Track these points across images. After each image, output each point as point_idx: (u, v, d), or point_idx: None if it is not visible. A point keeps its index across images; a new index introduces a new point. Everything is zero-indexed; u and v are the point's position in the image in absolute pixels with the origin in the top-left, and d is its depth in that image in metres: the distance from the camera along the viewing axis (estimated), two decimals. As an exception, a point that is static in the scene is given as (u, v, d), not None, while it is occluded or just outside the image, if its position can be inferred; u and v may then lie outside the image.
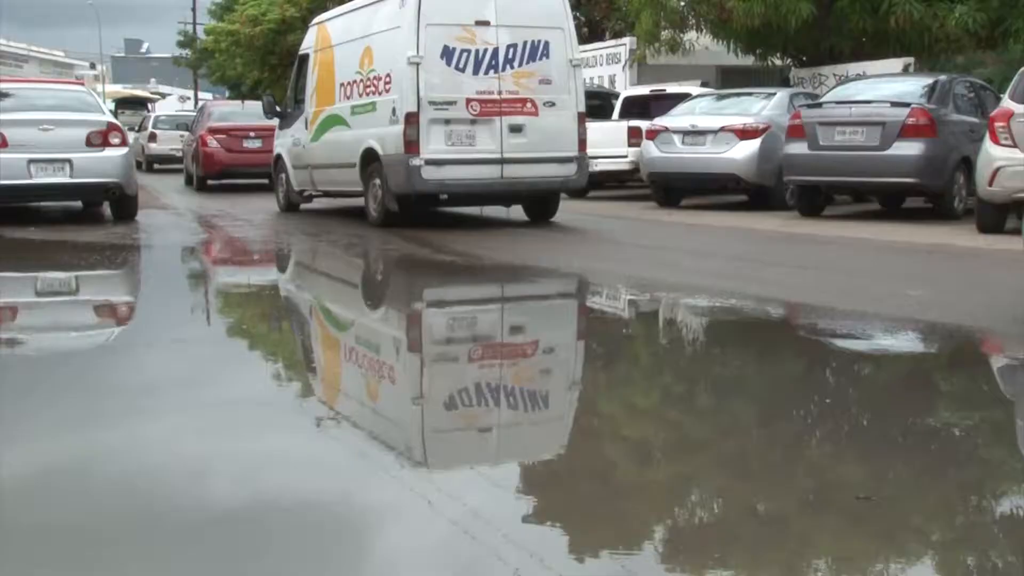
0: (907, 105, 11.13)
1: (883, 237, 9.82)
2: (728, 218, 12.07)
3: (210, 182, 18.54)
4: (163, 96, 65.03)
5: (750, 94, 14.49)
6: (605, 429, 4.00)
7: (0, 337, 5.69)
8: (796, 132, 11.88)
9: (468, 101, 10.49)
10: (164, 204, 15.42)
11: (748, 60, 19.08)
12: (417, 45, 10.37)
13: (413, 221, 10.82)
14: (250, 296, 7.64)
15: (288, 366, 5.17)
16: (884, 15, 16.01)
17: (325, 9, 35.34)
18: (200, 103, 31.13)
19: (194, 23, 54.58)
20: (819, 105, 12.09)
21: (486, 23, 10.59)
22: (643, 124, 14.55)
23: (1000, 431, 3.88)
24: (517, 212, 11.88)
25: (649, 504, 3.06)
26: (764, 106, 13.54)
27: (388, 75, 10.88)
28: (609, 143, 15.14)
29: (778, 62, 19.19)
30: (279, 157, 13.96)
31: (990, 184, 9.70)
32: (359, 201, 11.76)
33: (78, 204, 12.89)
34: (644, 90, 17.54)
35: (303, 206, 13.74)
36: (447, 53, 10.45)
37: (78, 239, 10.18)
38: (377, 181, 11.00)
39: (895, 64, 15.60)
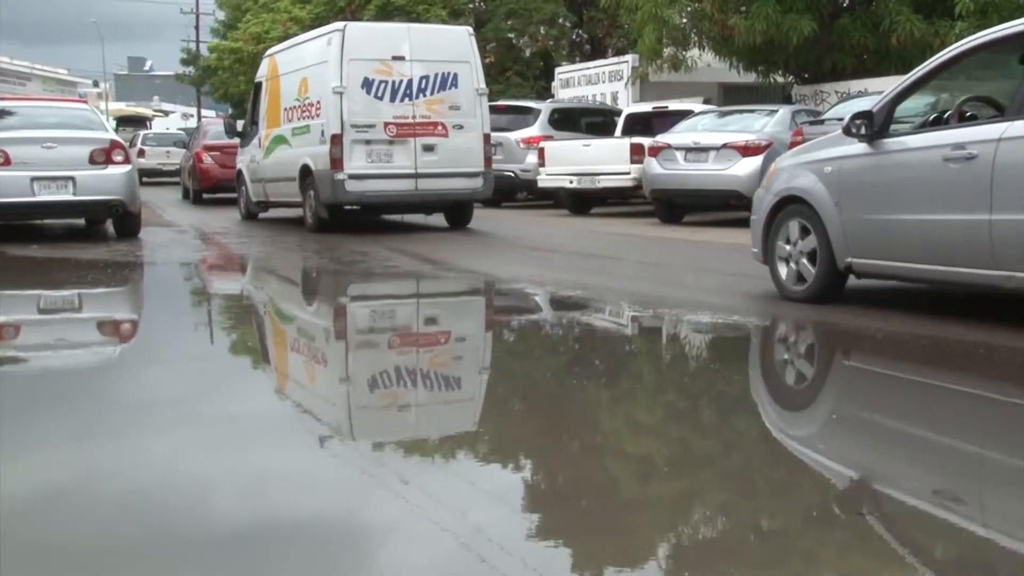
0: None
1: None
2: (729, 235, 12.06)
3: (205, 195, 19.90)
4: (166, 113, 65.28)
5: (752, 111, 14.53)
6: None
7: (2, 354, 5.68)
8: (798, 149, 11.86)
9: (386, 124, 12.34)
10: (168, 221, 15.43)
11: (750, 77, 19.14)
12: (341, 77, 12.21)
13: (345, 228, 12.53)
14: (244, 308, 7.65)
15: (282, 375, 5.16)
16: (885, 32, 16.08)
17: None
18: (198, 122, 33.24)
19: (197, 41, 54.82)
20: (821, 122, 12.11)
21: (402, 58, 12.45)
22: (646, 141, 14.59)
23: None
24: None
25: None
26: (766, 123, 13.57)
27: (319, 102, 12.64)
28: (612, 160, 15.19)
29: (780, 79, 19.26)
30: (240, 172, 15.89)
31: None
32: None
33: (81, 222, 12.91)
34: (646, 107, 17.60)
35: (261, 215, 15.50)
36: (367, 84, 12.29)
37: (81, 257, 10.19)
38: (311, 193, 12.79)
39: (896, 81, 15.64)
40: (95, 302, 7.93)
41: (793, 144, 12.12)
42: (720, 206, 14.13)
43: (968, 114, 6.09)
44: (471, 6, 35.06)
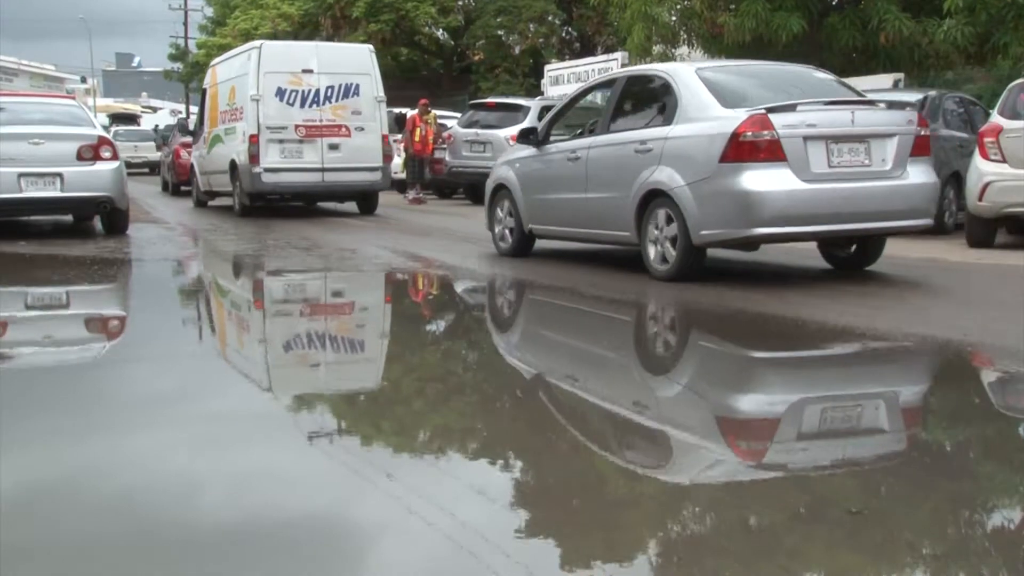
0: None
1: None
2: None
3: (182, 188, 21.43)
4: (154, 110, 64.99)
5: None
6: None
7: (-11, 351, 5.66)
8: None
9: (296, 126, 14.74)
10: (155, 218, 15.39)
11: (739, 75, 19.14)
12: (258, 87, 14.62)
13: (268, 213, 15.19)
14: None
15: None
16: (874, 31, 16.13)
17: (316, 24, 35.57)
18: (176, 120, 36.17)
19: (186, 37, 54.66)
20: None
21: (310, 71, 14.88)
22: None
23: (991, 444, 3.89)
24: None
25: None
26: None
27: (241, 108, 15.03)
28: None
29: (769, 77, 19.27)
30: (192, 166, 18.41)
31: (980, 199, 9.75)
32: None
33: (69, 218, 12.86)
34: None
35: (210, 203, 17.73)
36: (280, 92, 14.70)
37: (68, 253, 10.15)
38: (238, 183, 15.23)
39: (885, 80, 15.70)
40: (83, 299, 7.90)
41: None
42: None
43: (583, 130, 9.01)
44: (460, 3, 35.06)
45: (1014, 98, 9.93)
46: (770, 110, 7.06)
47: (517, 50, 33.29)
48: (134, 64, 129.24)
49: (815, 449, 3.78)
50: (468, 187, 19.45)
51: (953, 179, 11.28)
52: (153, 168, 32.21)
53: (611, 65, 21.77)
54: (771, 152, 7.00)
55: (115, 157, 11.54)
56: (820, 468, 3.52)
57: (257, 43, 15.58)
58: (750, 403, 4.53)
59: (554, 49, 33.12)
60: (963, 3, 14.57)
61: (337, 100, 14.92)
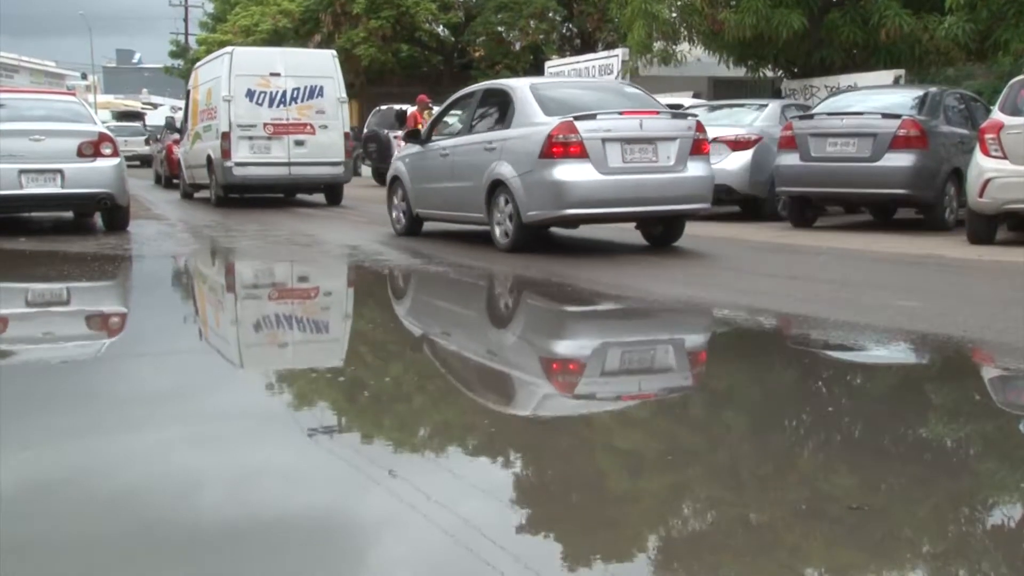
0: (898, 117, 11.17)
1: (874, 248, 9.84)
2: (720, 229, 12.08)
3: (174, 181, 22.32)
4: (155, 106, 64.94)
5: (742, 105, 14.53)
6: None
7: (-10, 348, 5.66)
8: (788, 143, 11.93)
9: (265, 124, 16.08)
10: (156, 215, 15.39)
11: (740, 72, 19.14)
12: (229, 88, 15.98)
13: (240, 204, 16.62)
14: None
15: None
16: (874, 27, 16.10)
17: (316, 22, 35.54)
18: (165, 119, 36.57)
19: (186, 33, 54.65)
20: (811, 116, 12.13)
21: (277, 74, 16.25)
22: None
23: (991, 441, 3.89)
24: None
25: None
26: (756, 117, 13.58)
27: (216, 107, 16.38)
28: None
29: (770, 73, 19.26)
30: (179, 161, 20.06)
31: (980, 195, 9.74)
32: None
33: (69, 214, 12.86)
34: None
35: (195, 195, 18.95)
36: (250, 93, 16.03)
37: (69, 250, 10.15)
38: (213, 176, 16.62)
39: (886, 76, 15.68)
40: (83, 295, 7.91)
41: (782, 138, 12.18)
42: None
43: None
44: (461, -1, 35.02)
45: (1015, 94, 9.91)
46: (576, 118, 8.92)
47: (518, 46, 33.25)
48: (135, 61, 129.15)
49: (615, 383, 4.90)
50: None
51: (954, 175, 11.28)
52: (143, 161, 33.58)
53: (612, 62, 21.74)
54: (577, 151, 8.90)
55: (115, 154, 11.53)
56: (619, 397, 4.70)
57: (229, 49, 17.18)
58: (565, 348, 5.91)
59: (555, 46, 33.07)
60: (964, 0, 14.55)
61: (302, 101, 16.30)
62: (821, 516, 3.00)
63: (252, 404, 4.43)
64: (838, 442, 3.82)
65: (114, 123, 39.59)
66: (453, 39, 36.23)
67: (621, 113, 9.23)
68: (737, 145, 12.96)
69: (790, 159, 11.85)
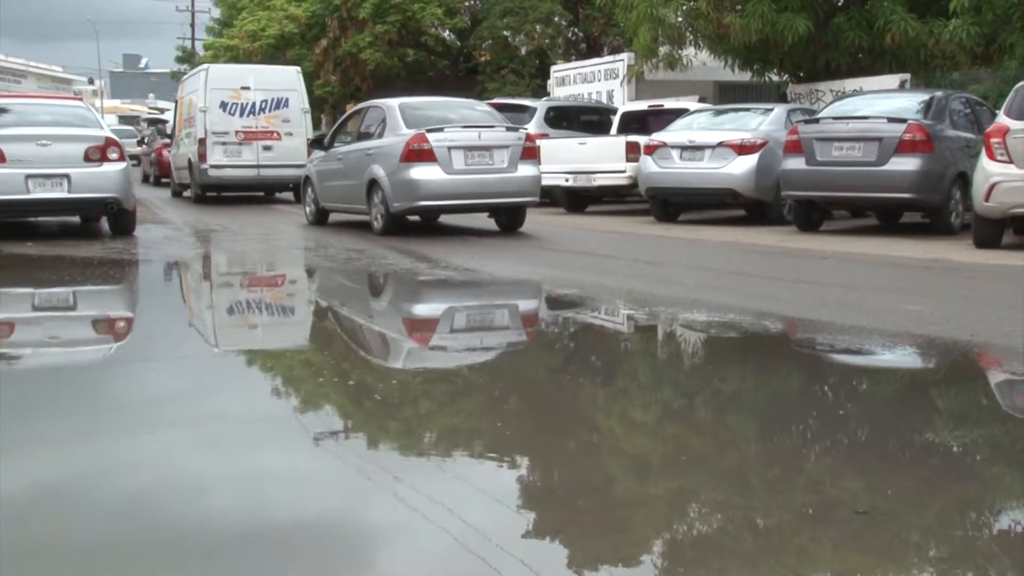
0: (904, 121, 11.16)
1: (880, 252, 9.83)
2: (726, 233, 12.08)
3: (162, 180, 25.10)
4: (161, 111, 64.99)
5: (748, 109, 14.52)
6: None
7: (-2, 352, 5.68)
8: (794, 147, 11.91)
9: (237, 132, 18.19)
10: (162, 219, 15.42)
11: (745, 76, 19.12)
12: (205, 100, 18.21)
13: (215, 201, 18.72)
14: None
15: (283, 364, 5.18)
16: (880, 31, 16.07)
17: (322, 26, 35.56)
18: (156, 126, 37.17)
19: (192, 38, 54.80)
20: (816, 121, 12.11)
21: (248, 88, 18.40)
22: (641, 139, 14.58)
23: (998, 446, 3.88)
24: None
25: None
26: (762, 121, 13.57)
27: (194, 117, 18.53)
28: (607, 158, 15.20)
29: (775, 78, 19.25)
30: (169, 163, 22.50)
31: (986, 199, 9.72)
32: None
33: (76, 219, 12.89)
34: (642, 105, 17.59)
35: (184, 192, 20.87)
36: (223, 104, 18.17)
37: (75, 254, 10.17)
38: (192, 177, 18.83)
39: (891, 80, 15.65)
40: (89, 300, 7.93)
41: (788, 142, 12.16)
42: (716, 204, 14.14)
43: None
44: (467, 4, 35.08)
45: (1020, 98, 9.89)
46: (428, 130, 11.44)
47: (523, 51, 33.23)
48: (141, 65, 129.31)
49: (462, 337, 6.33)
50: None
51: (960, 179, 11.26)
52: (134, 160, 34.66)
53: (617, 66, 21.75)
54: (428, 156, 11.36)
55: (122, 158, 11.55)
56: (468, 348, 6.01)
57: (205, 66, 20.12)
58: (421, 310, 7.58)
59: (560, 50, 33.08)
60: (969, 3, 14.52)
61: (270, 111, 18.45)
62: (828, 520, 2.99)
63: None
64: (845, 446, 3.82)
65: (117, 126, 39.91)
66: (459, 44, 36.27)
67: (465, 126, 11.76)
68: (743, 149, 12.95)
69: (796, 163, 11.84)
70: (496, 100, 20.85)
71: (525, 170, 11.84)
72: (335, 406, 4.53)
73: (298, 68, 20.06)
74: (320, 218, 13.89)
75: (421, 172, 11.33)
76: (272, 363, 5.65)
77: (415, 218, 12.49)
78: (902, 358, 5.35)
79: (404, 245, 10.68)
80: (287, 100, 18.57)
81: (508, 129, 12.24)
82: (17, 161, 10.86)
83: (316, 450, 3.69)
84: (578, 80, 23.53)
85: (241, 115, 18.25)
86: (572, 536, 2.90)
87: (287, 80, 18.97)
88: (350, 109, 20.62)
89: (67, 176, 11.03)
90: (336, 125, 14.20)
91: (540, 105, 18.60)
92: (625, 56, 21.49)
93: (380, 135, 12.12)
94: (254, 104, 18.35)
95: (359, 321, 7.13)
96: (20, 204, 11.06)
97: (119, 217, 11.76)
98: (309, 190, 14.12)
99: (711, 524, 3.05)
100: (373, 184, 11.87)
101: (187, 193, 20.16)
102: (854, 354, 5.39)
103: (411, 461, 3.62)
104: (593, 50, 31.50)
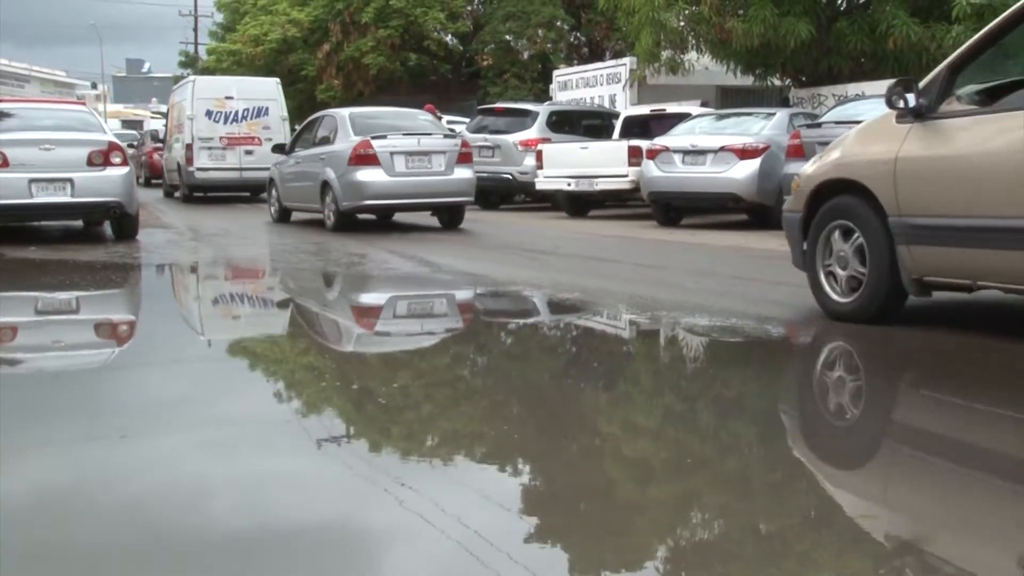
0: None
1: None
2: (728, 238, 12.08)
3: (153, 181, 27.14)
4: (164, 115, 65.10)
5: (750, 114, 14.54)
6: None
7: (0, 356, 5.69)
8: (796, 152, 11.91)
9: (221, 138, 20.16)
10: (165, 223, 15.45)
11: (748, 80, 19.16)
12: (192, 109, 20.17)
13: (202, 201, 20.80)
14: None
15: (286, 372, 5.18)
16: (882, 36, 16.09)
17: (325, 31, 35.61)
18: (149, 131, 37.73)
19: (195, 43, 54.84)
20: (819, 125, 12.12)
21: (231, 97, 20.37)
22: (643, 143, 14.60)
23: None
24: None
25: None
26: (764, 126, 13.58)
27: (183, 124, 20.50)
28: (609, 162, 15.21)
29: (777, 82, 19.27)
30: (158, 165, 25.10)
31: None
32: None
33: (79, 223, 12.91)
34: (644, 110, 17.61)
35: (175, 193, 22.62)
36: (209, 113, 20.17)
37: (79, 258, 10.19)
38: (181, 179, 20.88)
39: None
40: (92, 304, 7.94)
41: (790, 147, 12.17)
42: (718, 209, 14.15)
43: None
44: (469, 8, 35.12)
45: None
46: (373, 138, 12.84)
47: (526, 55, 33.27)
48: (144, 70, 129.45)
49: (403, 323, 7.17)
50: (477, 192, 19.46)
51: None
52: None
53: (620, 70, 21.79)
54: (372, 160, 12.76)
55: (125, 163, 11.58)
56: (408, 333, 6.79)
57: (192, 78, 23.03)
58: (367, 299, 8.39)
59: (563, 54, 33.11)
60: (971, 9, 14.53)
61: (251, 119, 20.36)
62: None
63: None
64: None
65: (120, 130, 40.05)
66: (461, 48, 36.31)
67: (406, 134, 13.17)
68: (745, 154, 12.96)
69: (798, 168, 11.78)
70: (499, 104, 20.89)
71: (461, 173, 13.34)
72: (337, 407, 4.52)
73: (277, 80, 22.08)
74: (283, 216, 15.41)
75: (366, 175, 12.75)
76: (275, 368, 5.65)
77: (371, 216, 14.01)
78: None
79: (355, 239, 12.09)
80: (267, 109, 20.52)
81: (446, 136, 13.75)
82: (20, 165, 10.88)
83: (324, 456, 3.69)
84: (580, 84, 23.57)
85: (225, 122, 20.18)
86: (522, 511, 2.90)
87: (267, 91, 20.93)
88: None
89: (70, 180, 11.05)
90: (297, 132, 15.77)
91: (542, 109, 18.62)
92: (627, 60, 21.53)
93: (332, 141, 13.53)
94: (237, 112, 20.27)
95: (317, 309, 7.51)
96: (23, 208, 11.08)
97: (122, 221, 11.77)
98: (273, 191, 15.68)
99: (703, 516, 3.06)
100: (325, 185, 13.29)
101: (177, 193, 21.80)
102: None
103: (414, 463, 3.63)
104: (595, 54, 31.53)
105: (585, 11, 31.31)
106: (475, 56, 35.68)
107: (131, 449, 3.75)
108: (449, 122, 20.64)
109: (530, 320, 7.27)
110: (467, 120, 21.11)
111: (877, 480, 3.51)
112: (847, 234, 5.86)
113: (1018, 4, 5.11)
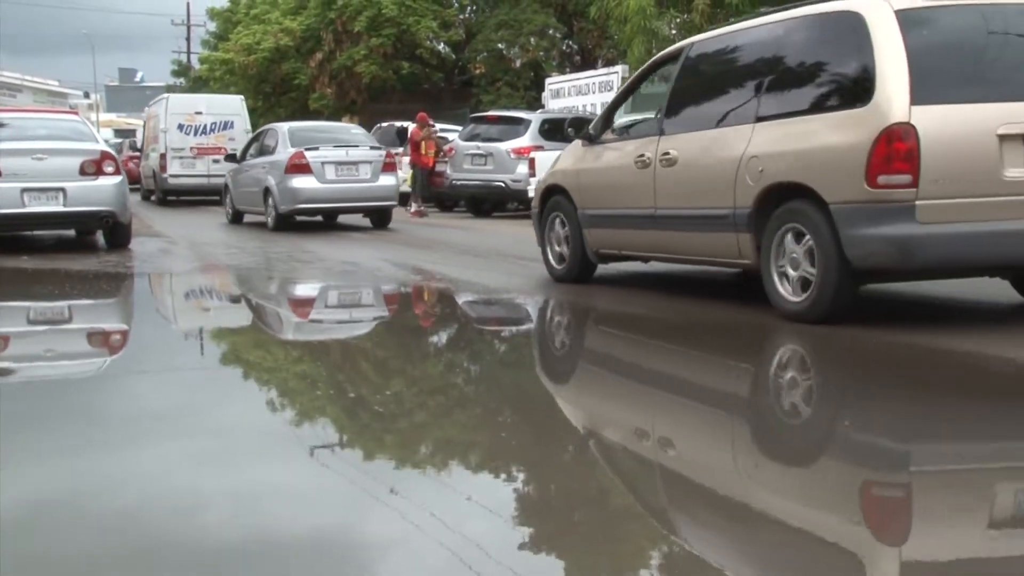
0: None
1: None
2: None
3: (131, 187, 27.06)
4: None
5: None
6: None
7: (-8, 366, 5.68)
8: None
9: (191, 148, 22.75)
10: (156, 232, 15.43)
11: (739, 88, 19.16)
12: (166, 122, 22.79)
13: (176, 204, 23.55)
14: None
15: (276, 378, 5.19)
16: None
17: (317, 40, 35.64)
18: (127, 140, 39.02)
19: (188, 52, 54.92)
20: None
21: (200, 112, 23.09)
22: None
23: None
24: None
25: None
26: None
27: (157, 136, 23.12)
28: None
29: (769, 90, 19.28)
30: (135, 172, 25.75)
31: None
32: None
33: (71, 233, 12.89)
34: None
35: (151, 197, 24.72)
36: (181, 127, 22.83)
37: (71, 268, 10.17)
38: (156, 184, 23.57)
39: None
40: (85, 313, 7.93)
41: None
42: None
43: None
44: (461, 17, 35.21)
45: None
46: (306, 149, 14.83)
47: (518, 63, 33.36)
48: (137, 79, 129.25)
49: (335, 312, 8.27)
50: (469, 200, 19.49)
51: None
52: None
53: (611, 78, 21.84)
54: (305, 169, 14.68)
55: (117, 172, 11.56)
56: (340, 321, 7.78)
57: (166, 95, 25.32)
58: (301, 290, 9.32)
59: (555, 62, 33.19)
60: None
61: (218, 131, 22.98)
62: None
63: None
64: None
65: (113, 140, 40.13)
66: (454, 56, 36.39)
67: (336, 146, 15.22)
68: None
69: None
70: (491, 112, 20.92)
71: (385, 180, 15.29)
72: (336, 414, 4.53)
73: (242, 97, 25.62)
74: (236, 218, 17.08)
75: (300, 182, 14.66)
76: (268, 378, 5.65)
77: (318, 218, 16.05)
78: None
79: (290, 239, 13.65)
80: (232, 123, 23.24)
81: (372, 148, 15.75)
82: (13, 175, 10.87)
83: (325, 462, 3.70)
84: (572, 92, 23.62)
85: (195, 135, 22.80)
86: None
87: (233, 107, 23.86)
88: (345, 122, 25.99)
89: (63, 190, 11.04)
90: (247, 142, 17.77)
91: (535, 117, 18.65)
92: (619, 68, 21.58)
93: (273, 152, 15.47)
94: (205, 126, 22.95)
95: (255, 299, 7.92)
96: (15, 218, 11.06)
97: (115, 230, 11.75)
98: (228, 196, 17.48)
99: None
100: (267, 191, 15.14)
101: (153, 197, 24.33)
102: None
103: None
104: (587, 62, 31.63)
105: (577, 19, 31.42)
106: (468, 64, 35.75)
107: (123, 458, 3.75)
108: (442, 130, 20.68)
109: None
110: (460, 128, 21.14)
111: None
112: (563, 223, 8.25)
113: (644, 66, 8.54)
